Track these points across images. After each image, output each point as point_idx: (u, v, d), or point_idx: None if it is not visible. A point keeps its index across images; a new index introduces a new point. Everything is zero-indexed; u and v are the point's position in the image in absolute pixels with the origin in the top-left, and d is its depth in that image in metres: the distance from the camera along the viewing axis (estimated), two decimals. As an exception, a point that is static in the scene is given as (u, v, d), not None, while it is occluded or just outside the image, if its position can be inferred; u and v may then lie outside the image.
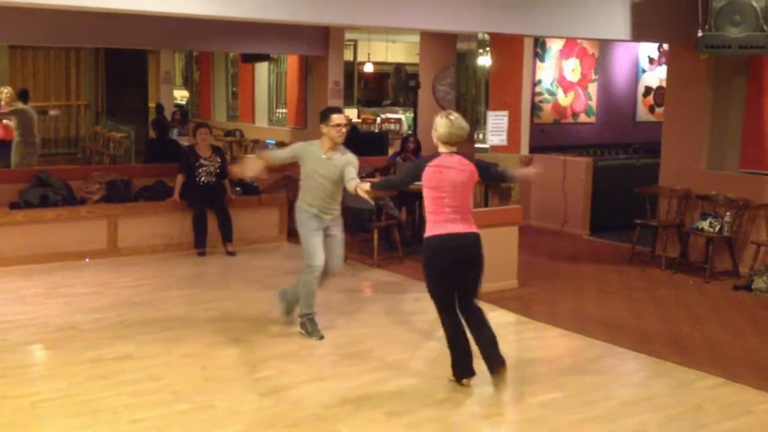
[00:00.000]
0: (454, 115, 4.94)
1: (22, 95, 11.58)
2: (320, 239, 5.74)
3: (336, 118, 5.69)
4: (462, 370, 5.01)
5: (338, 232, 5.88)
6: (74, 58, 15.25)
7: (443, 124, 4.87)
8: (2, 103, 11.57)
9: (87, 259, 8.18)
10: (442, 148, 4.92)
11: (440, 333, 6.06)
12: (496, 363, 4.82)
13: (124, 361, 5.33)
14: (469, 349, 4.98)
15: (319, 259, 5.69)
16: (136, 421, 4.41)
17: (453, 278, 4.87)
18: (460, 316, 4.96)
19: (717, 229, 7.97)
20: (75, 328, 6.01)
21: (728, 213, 8.01)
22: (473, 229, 4.90)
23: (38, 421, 4.41)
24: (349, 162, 5.65)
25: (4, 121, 11.24)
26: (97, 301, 6.78)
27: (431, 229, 4.86)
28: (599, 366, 5.52)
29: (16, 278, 7.45)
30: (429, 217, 4.91)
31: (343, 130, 5.71)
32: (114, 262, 8.19)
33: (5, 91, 11.64)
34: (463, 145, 7.25)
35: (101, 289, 7.17)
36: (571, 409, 4.74)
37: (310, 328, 5.89)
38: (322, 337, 5.86)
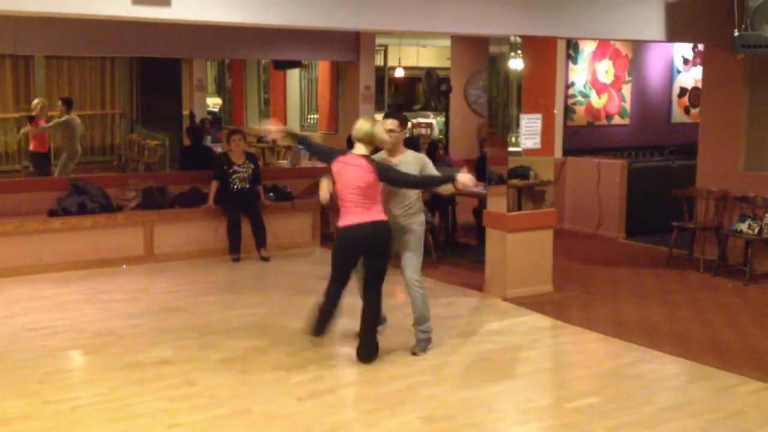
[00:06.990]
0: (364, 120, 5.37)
1: (67, 104, 11.77)
2: None
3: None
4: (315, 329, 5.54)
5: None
6: (109, 68, 15.45)
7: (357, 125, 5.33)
8: (35, 113, 11.79)
9: (124, 266, 8.29)
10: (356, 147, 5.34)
11: (476, 338, 6.09)
12: (361, 351, 5.44)
13: (162, 366, 5.38)
14: (331, 320, 5.52)
15: None
16: (174, 426, 4.44)
17: (354, 264, 5.47)
18: (361, 297, 5.61)
19: (756, 230, 7.84)
20: (113, 334, 6.09)
21: (767, 214, 7.87)
22: (377, 218, 5.31)
23: (78, 426, 4.46)
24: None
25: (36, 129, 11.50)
26: (135, 306, 6.86)
27: (341, 220, 5.39)
28: (637, 370, 5.45)
29: (55, 285, 7.56)
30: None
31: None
32: (150, 268, 8.28)
33: (37, 102, 11.87)
34: (495, 148, 7.32)
35: (138, 295, 7.26)
36: (608, 414, 4.69)
37: None
38: None
